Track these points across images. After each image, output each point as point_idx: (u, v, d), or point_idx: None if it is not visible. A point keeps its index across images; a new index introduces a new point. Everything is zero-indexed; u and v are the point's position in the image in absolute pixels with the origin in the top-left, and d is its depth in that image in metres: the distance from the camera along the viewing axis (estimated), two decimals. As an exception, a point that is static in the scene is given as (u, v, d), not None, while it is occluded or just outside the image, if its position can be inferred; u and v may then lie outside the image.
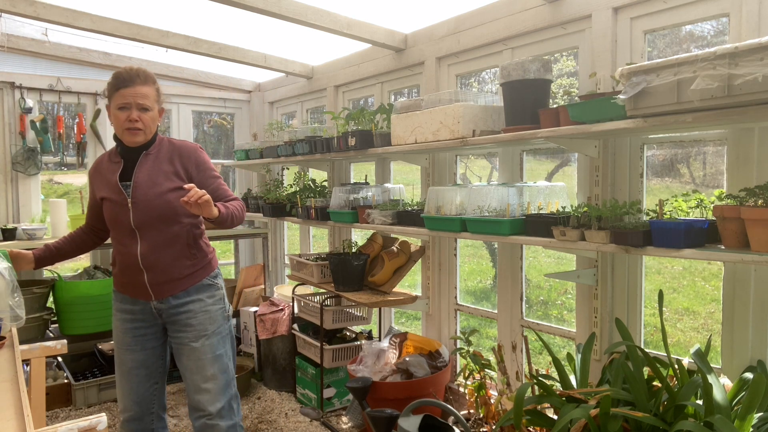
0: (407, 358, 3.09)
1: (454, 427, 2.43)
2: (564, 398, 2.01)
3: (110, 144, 4.46)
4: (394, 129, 3.01)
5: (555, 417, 2.02)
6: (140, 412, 2.31)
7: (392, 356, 3.26)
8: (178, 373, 4.22)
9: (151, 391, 2.34)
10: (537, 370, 2.28)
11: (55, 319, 3.98)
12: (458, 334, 3.35)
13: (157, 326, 2.32)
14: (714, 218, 1.90)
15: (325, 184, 4.18)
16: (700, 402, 1.83)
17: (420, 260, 3.43)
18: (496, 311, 3.10)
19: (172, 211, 2.17)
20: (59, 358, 3.95)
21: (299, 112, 4.79)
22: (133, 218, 2.16)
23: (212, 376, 2.25)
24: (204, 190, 1.99)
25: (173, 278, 2.22)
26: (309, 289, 4.06)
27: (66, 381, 3.72)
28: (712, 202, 1.98)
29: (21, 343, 2.18)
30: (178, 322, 2.27)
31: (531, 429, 2.28)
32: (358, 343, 3.53)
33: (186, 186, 2.00)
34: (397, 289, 3.33)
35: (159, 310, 2.27)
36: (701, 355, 1.92)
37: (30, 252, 2.32)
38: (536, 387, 2.16)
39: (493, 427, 2.58)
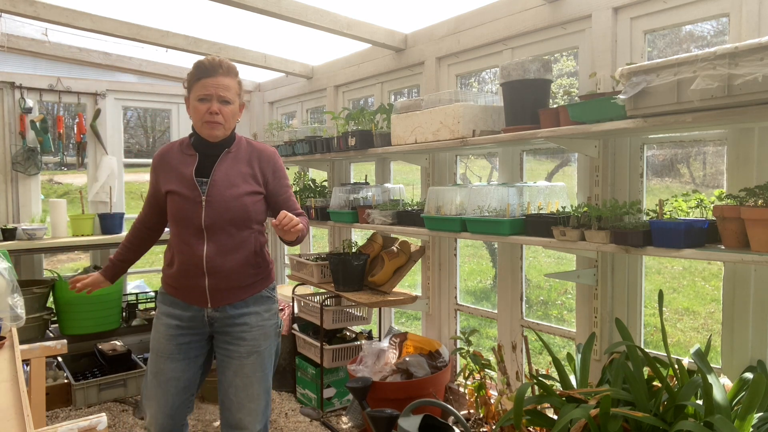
0: (407, 358, 3.10)
1: (454, 427, 2.43)
2: (564, 398, 2.00)
3: (110, 144, 4.48)
4: (394, 129, 3.01)
5: (555, 417, 2.02)
6: (172, 425, 2.14)
7: (392, 356, 3.26)
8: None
9: (186, 403, 2.17)
10: (537, 370, 2.28)
11: (55, 319, 3.98)
12: (458, 334, 3.35)
13: (204, 335, 2.16)
14: (714, 218, 1.90)
15: (325, 184, 4.18)
16: (700, 402, 1.83)
17: (420, 260, 3.43)
18: (496, 311, 3.10)
19: (246, 214, 2.06)
20: (59, 358, 3.95)
21: (299, 112, 4.79)
22: (205, 217, 2.02)
23: (257, 395, 2.11)
24: (297, 218, 1.92)
25: (235, 286, 2.09)
26: (309, 289, 4.06)
27: (66, 381, 3.72)
28: (712, 202, 1.98)
29: (21, 343, 2.18)
30: (230, 334, 2.11)
31: (531, 429, 2.28)
32: (358, 343, 3.53)
33: (279, 216, 1.91)
34: (397, 289, 3.33)
35: (212, 319, 2.11)
36: (701, 355, 1.92)
37: (97, 274, 2.29)
38: (536, 387, 2.16)
39: (493, 427, 2.58)
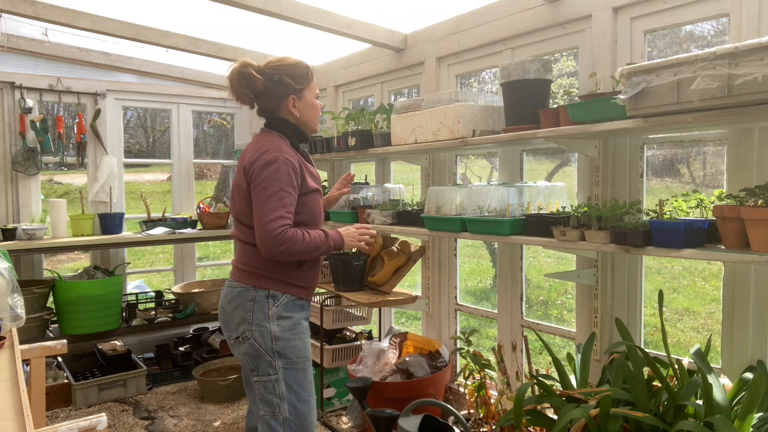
0: (407, 358, 3.10)
1: (454, 427, 2.43)
2: (564, 398, 2.01)
3: (110, 144, 4.47)
4: (394, 129, 3.00)
5: (555, 417, 2.02)
6: None
7: (392, 356, 3.26)
8: (178, 373, 4.22)
9: None
10: (537, 370, 2.28)
11: (55, 319, 3.98)
12: (458, 334, 3.35)
13: None
14: (714, 218, 1.90)
15: (325, 184, 4.18)
16: (700, 402, 1.83)
17: (420, 260, 3.43)
18: (496, 311, 3.10)
19: None
20: (59, 358, 3.95)
21: (299, 112, 4.79)
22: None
23: None
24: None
25: None
26: (309, 289, 4.05)
27: (66, 381, 3.72)
28: (712, 202, 1.98)
29: (21, 343, 2.18)
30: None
31: (531, 429, 2.28)
32: (358, 343, 3.53)
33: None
34: (397, 289, 3.33)
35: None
36: (701, 355, 1.92)
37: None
38: (536, 387, 2.16)
39: (493, 427, 2.58)
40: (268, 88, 2.05)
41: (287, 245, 1.88)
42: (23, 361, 2.03)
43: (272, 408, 1.95)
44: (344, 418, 3.43)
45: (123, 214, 4.38)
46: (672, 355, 1.99)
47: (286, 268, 2.02)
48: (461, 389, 3.17)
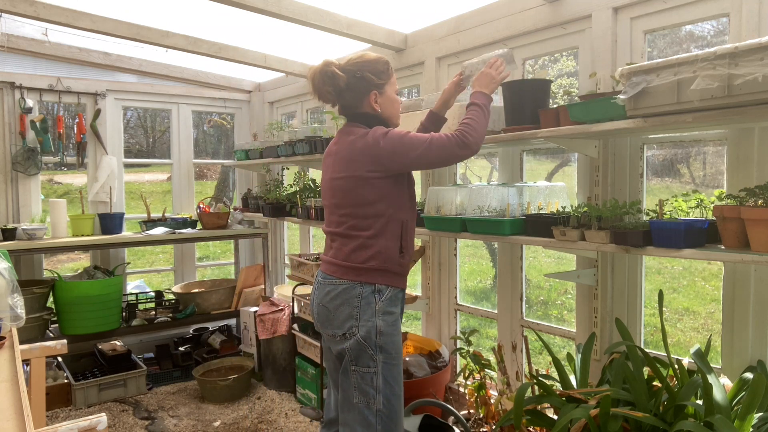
0: (407, 358, 3.10)
1: (454, 427, 2.43)
2: (564, 398, 2.01)
3: (110, 144, 4.48)
4: (394, 129, 3.00)
5: (555, 417, 2.02)
6: None
7: (392, 356, 3.25)
8: (178, 373, 4.23)
9: None
10: (537, 370, 2.28)
11: (55, 319, 3.98)
12: (458, 334, 3.35)
13: None
14: (714, 218, 1.90)
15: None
16: (700, 402, 1.83)
17: (420, 260, 3.43)
18: (496, 311, 3.10)
19: None
20: (59, 358, 3.95)
21: (299, 112, 4.79)
22: None
23: None
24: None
25: None
26: (309, 289, 4.06)
27: (66, 381, 3.73)
28: (712, 202, 1.98)
29: (21, 343, 2.18)
30: None
31: (531, 429, 2.29)
32: (358, 343, 3.53)
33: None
34: (397, 289, 3.33)
35: None
36: (701, 355, 1.92)
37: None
38: (536, 387, 2.16)
39: (493, 427, 2.58)
40: (350, 85, 2.07)
41: (468, 137, 1.95)
42: (23, 361, 2.03)
43: (367, 398, 1.97)
44: (344, 418, 3.43)
45: (123, 214, 4.38)
46: (672, 355, 1.99)
47: (391, 256, 2.02)
48: (461, 389, 3.17)
